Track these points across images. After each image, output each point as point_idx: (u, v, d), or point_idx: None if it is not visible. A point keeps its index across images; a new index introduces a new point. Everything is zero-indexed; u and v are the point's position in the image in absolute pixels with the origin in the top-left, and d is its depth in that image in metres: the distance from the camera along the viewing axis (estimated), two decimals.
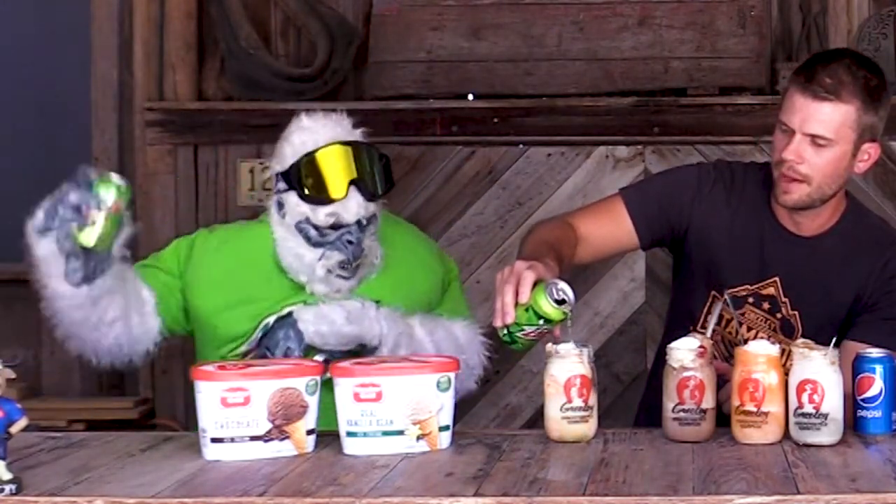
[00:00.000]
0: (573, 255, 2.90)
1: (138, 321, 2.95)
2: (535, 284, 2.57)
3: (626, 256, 4.47)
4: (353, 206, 2.93)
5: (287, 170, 2.95)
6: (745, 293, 2.95)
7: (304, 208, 2.94)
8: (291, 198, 2.95)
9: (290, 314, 2.96)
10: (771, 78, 4.63)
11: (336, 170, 2.93)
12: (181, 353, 4.43)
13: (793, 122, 2.82)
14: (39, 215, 2.73)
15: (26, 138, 5.12)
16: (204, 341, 3.06)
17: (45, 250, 2.77)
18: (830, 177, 2.85)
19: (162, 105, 4.71)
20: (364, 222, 2.95)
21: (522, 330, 2.59)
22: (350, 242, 2.93)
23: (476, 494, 2.18)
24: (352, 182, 2.93)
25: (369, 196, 2.94)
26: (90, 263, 2.76)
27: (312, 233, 2.94)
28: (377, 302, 2.99)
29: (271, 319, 2.97)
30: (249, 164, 4.63)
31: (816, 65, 2.85)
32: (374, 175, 2.98)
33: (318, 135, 2.97)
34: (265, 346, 2.95)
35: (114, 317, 2.89)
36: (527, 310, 2.57)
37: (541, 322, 2.57)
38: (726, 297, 2.86)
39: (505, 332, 2.59)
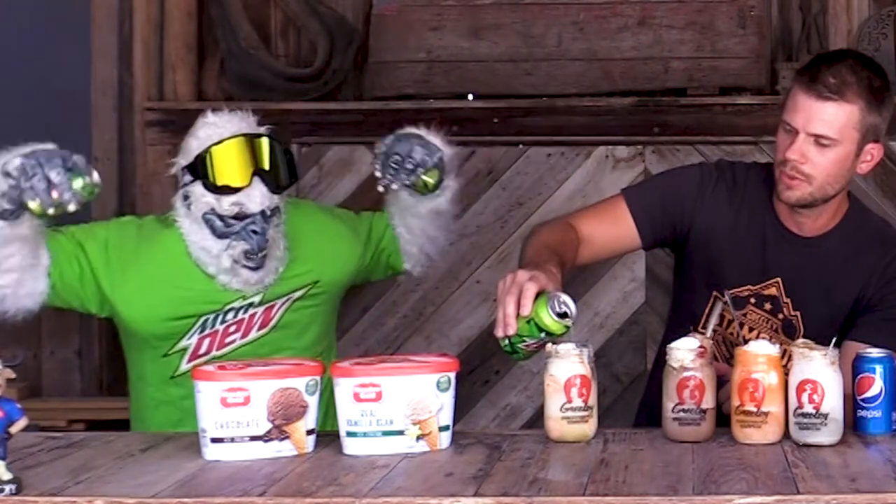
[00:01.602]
0: (575, 258, 2.90)
1: (31, 278, 2.96)
2: (537, 295, 2.57)
3: (626, 256, 4.47)
4: (256, 196, 3.01)
5: (193, 161, 3.04)
6: (746, 293, 2.95)
7: (210, 198, 3.01)
8: (197, 189, 3.03)
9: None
10: (771, 78, 4.63)
11: (239, 160, 3.01)
12: None
13: (796, 122, 2.82)
14: (15, 162, 2.73)
15: (26, 138, 5.12)
16: (139, 347, 3.13)
17: None
18: (833, 177, 2.85)
19: (162, 105, 4.71)
20: (268, 213, 3.03)
21: (524, 341, 2.59)
22: (255, 232, 3.01)
23: (476, 494, 2.18)
24: (255, 172, 3.01)
25: (273, 187, 3.03)
26: (18, 209, 2.78)
27: (218, 223, 3.02)
28: (315, 282, 3.12)
29: (211, 316, 3.06)
30: None
31: (820, 65, 2.85)
32: (278, 167, 3.05)
33: (223, 129, 3.06)
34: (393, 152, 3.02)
35: (12, 266, 2.91)
36: (528, 322, 2.56)
37: (542, 335, 2.57)
38: (727, 297, 2.86)
39: (506, 342, 2.59)
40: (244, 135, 3.04)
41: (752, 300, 2.95)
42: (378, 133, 4.68)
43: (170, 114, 4.69)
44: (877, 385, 2.55)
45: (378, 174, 3.05)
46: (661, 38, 4.63)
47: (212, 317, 3.08)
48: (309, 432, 2.50)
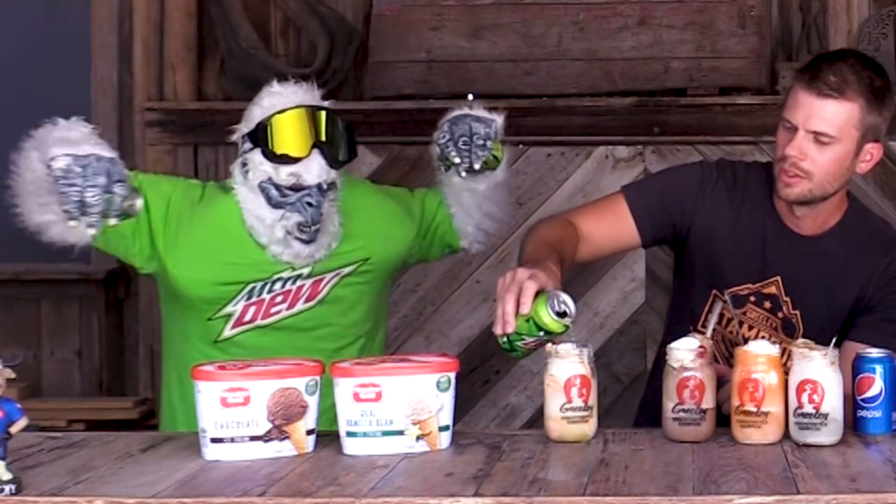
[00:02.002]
0: (574, 255, 2.90)
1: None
2: (537, 294, 2.57)
3: (626, 256, 4.48)
4: (314, 168, 3.00)
5: (254, 129, 3.03)
6: (746, 292, 2.95)
7: (267, 167, 3.01)
8: (256, 157, 3.03)
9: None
10: (771, 78, 4.63)
11: (300, 131, 3.01)
12: None
13: (796, 119, 2.82)
14: (62, 162, 2.66)
15: (26, 138, 5.11)
16: (185, 309, 3.11)
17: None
18: (833, 175, 2.85)
19: (162, 105, 4.72)
20: (325, 186, 3.02)
21: (522, 339, 2.58)
22: (310, 205, 3.00)
23: (476, 494, 2.17)
24: (315, 145, 3.01)
25: (331, 161, 3.02)
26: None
27: (274, 192, 3.02)
28: (366, 259, 3.10)
29: (258, 284, 3.06)
30: None
31: (821, 63, 2.85)
32: (338, 141, 3.06)
33: (287, 99, 3.05)
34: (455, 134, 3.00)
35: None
36: (527, 320, 2.56)
37: (541, 333, 2.57)
38: (726, 296, 2.86)
39: (505, 339, 2.59)
40: (307, 106, 3.04)
41: (752, 299, 2.95)
42: (378, 133, 4.72)
43: (170, 114, 4.69)
44: (877, 385, 2.55)
45: (456, 160, 3.00)
46: (661, 38, 4.63)
47: (259, 285, 3.07)
48: (309, 432, 2.50)
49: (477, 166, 3.01)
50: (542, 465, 2.38)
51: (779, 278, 2.94)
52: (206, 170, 4.68)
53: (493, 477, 2.29)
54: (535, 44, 4.66)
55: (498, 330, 2.58)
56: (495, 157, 3.06)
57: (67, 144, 2.73)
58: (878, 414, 2.55)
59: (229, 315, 3.08)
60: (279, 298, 3.09)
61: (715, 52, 4.62)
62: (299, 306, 3.10)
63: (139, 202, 2.70)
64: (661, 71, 4.63)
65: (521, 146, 4.63)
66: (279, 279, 3.07)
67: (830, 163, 2.83)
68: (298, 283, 3.09)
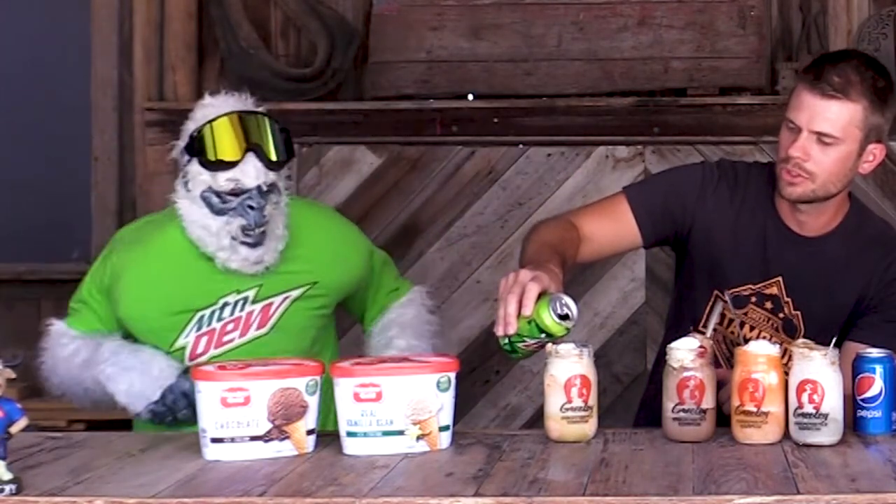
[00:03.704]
0: (576, 256, 2.90)
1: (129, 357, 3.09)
2: (539, 296, 2.57)
3: (626, 256, 4.48)
4: (251, 171, 3.03)
5: (189, 141, 3.07)
6: (747, 292, 2.95)
7: (206, 176, 3.05)
8: (194, 167, 3.07)
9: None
10: (771, 78, 4.63)
11: (232, 136, 3.05)
12: None
13: (800, 120, 2.82)
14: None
15: (26, 138, 5.12)
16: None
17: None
18: (835, 175, 2.85)
19: (162, 105, 4.71)
20: (264, 188, 3.05)
21: (523, 341, 2.58)
22: (251, 207, 3.04)
23: (476, 494, 2.17)
24: (249, 148, 3.04)
25: (267, 162, 3.05)
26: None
27: (215, 200, 3.05)
28: (314, 283, 3.13)
29: (207, 312, 3.08)
30: None
31: (825, 63, 2.85)
32: (272, 143, 3.08)
33: (219, 108, 3.10)
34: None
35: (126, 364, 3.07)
36: (529, 322, 2.56)
37: (542, 335, 2.57)
38: (727, 297, 2.86)
39: (506, 341, 2.59)
40: (237, 112, 3.07)
41: (753, 299, 2.95)
42: (378, 133, 4.73)
43: (170, 114, 4.68)
44: (877, 385, 2.55)
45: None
46: (661, 38, 4.63)
47: (207, 313, 3.08)
48: (309, 432, 2.50)
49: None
50: (542, 465, 2.38)
51: (780, 279, 2.94)
52: None
53: (493, 477, 2.29)
54: (535, 44, 4.66)
55: (499, 331, 2.58)
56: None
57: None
58: (878, 414, 2.55)
59: (182, 348, 3.10)
60: (230, 326, 3.10)
61: (715, 52, 4.61)
62: (251, 333, 3.11)
63: None
64: (660, 71, 4.63)
65: (521, 146, 4.63)
66: (226, 304, 3.09)
67: (834, 163, 2.84)
68: (247, 308, 3.10)
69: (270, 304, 3.11)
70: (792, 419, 2.49)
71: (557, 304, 2.55)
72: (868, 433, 2.54)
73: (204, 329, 3.09)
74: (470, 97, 4.70)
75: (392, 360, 2.61)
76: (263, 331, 3.11)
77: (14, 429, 2.22)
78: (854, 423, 2.56)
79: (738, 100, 4.58)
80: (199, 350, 3.09)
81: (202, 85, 4.76)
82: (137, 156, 4.72)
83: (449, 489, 2.21)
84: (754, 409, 2.50)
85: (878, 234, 2.98)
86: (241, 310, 3.10)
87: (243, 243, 3.04)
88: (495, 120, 4.62)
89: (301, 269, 3.13)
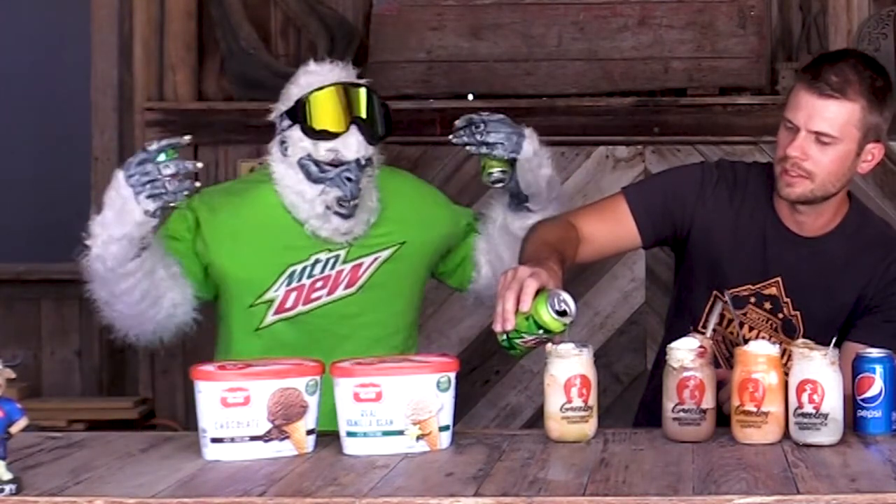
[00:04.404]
0: (575, 255, 2.90)
1: (179, 293, 3.07)
2: (537, 292, 2.57)
3: (626, 256, 4.48)
4: (353, 144, 3.06)
5: (292, 106, 3.09)
6: (747, 293, 2.95)
7: (307, 143, 3.07)
8: (295, 133, 3.09)
9: None
10: (771, 78, 4.63)
11: (338, 107, 3.07)
12: (182, 352, 4.44)
13: (798, 120, 2.82)
14: (148, 192, 2.81)
15: (26, 138, 5.12)
16: (229, 299, 3.15)
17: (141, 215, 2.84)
18: (834, 175, 2.85)
19: (162, 105, 4.71)
20: (363, 161, 3.08)
21: (521, 337, 2.58)
22: (349, 180, 3.06)
23: (476, 494, 2.18)
24: (353, 121, 3.07)
25: (369, 137, 3.08)
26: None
27: (313, 168, 3.07)
28: (402, 243, 3.15)
29: (298, 267, 3.10)
30: (249, 164, 4.62)
31: (823, 63, 2.86)
32: (375, 118, 3.11)
33: (324, 77, 3.11)
34: None
35: (167, 287, 3.03)
36: (527, 318, 2.56)
37: (540, 332, 2.57)
38: (727, 297, 2.86)
39: (504, 337, 2.59)
40: (344, 83, 3.09)
41: (753, 299, 2.95)
42: None
43: (170, 114, 4.69)
44: (877, 385, 2.55)
45: (457, 123, 3.11)
46: (661, 38, 4.63)
47: (299, 268, 3.11)
48: (309, 432, 2.50)
49: (454, 141, 3.08)
50: (542, 465, 2.38)
51: (779, 279, 2.94)
52: (206, 170, 4.67)
53: (493, 477, 2.29)
54: (535, 44, 4.66)
55: (497, 327, 2.58)
56: (486, 165, 3.12)
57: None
58: (878, 414, 2.55)
59: (271, 301, 3.11)
60: (319, 284, 3.12)
61: (715, 52, 4.61)
62: (339, 292, 3.13)
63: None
64: (660, 71, 4.63)
65: None
66: (317, 261, 3.11)
67: (832, 163, 2.84)
68: (337, 267, 3.13)
69: (360, 264, 3.15)
70: (792, 419, 2.49)
71: (555, 301, 2.56)
72: (868, 433, 2.54)
73: (294, 284, 3.12)
74: (470, 97, 4.69)
75: (392, 360, 2.61)
76: (351, 290, 3.14)
77: (14, 429, 2.22)
78: (854, 423, 2.56)
79: (738, 100, 4.58)
80: (288, 304, 3.12)
81: (202, 85, 4.77)
82: None
83: (449, 489, 2.21)
84: (754, 409, 2.50)
85: (877, 235, 2.98)
86: (332, 268, 3.13)
87: (336, 213, 3.07)
88: None
89: (390, 231, 3.17)
